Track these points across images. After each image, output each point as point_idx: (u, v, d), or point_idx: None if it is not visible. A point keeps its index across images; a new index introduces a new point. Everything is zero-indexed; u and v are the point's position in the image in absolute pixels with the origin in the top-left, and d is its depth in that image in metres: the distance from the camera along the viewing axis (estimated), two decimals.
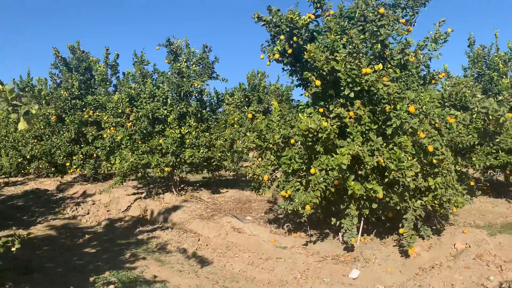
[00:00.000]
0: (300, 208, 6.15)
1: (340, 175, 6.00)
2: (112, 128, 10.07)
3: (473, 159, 11.50)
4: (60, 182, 14.85)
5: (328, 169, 5.82)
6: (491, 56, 12.09)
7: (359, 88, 5.91)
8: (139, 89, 10.37)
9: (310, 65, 5.94)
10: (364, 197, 6.54)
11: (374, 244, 7.20)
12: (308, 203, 5.91)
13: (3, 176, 18.44)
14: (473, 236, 7.41)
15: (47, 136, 13.78)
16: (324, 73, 5.72)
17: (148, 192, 11.23)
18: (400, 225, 6.61)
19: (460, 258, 6.44)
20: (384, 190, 6.31)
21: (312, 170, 5.97)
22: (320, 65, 5.63)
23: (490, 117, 5.65)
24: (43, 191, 13.85)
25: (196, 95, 10.62)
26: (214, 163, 10.39)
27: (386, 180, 5.86)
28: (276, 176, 7.37)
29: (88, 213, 10.18)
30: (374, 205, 6.58)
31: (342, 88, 5.95)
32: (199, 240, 7.62)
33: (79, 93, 13.38)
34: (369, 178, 6.40)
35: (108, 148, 10.49)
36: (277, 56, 6.47)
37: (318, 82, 5.88)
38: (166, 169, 10.06)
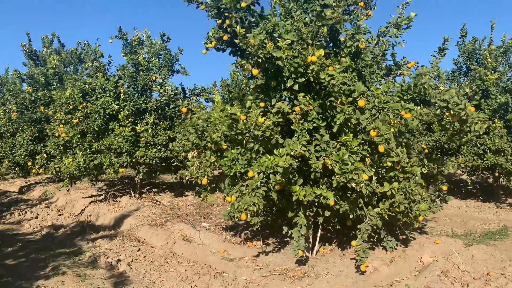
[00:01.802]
0: (236, 216, 5.36)
1: (283, 179, 5.21)
2: (61, 126, 9.29)
3: (459, 160, 10.70)
4: (25, 183, 14.12)
5: (268, 172, 5.00)
6: (482, 50, 11.27)
7: (304, 79, 5.12)
8: (94, 84, 9.57)
9: (246, 52, 5.14)
10: (316, 204, 5.76)
11: (332, 256, 6.40)
12: (242, 211, 5.12)
13: None
14: (445, 247, 6.61)
15: (8, 134, 13.03)
16: (260, 60, 4.91)
17: (106, 195, 10.46)
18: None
19: (423, 274, 5.63)
20: (336, 196, 5.51)
21: (250, 173, 5.18)
22: (253, 50, 4.83)
23: (451, 111, 4.84)
24: (3, 193, 13.11)
25: (157, 90, 9.80)
26: (174, 164, 9.57)
27: (335, 185, 5.06)
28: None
29: (36, 217, 9.42)
30: (327, 213, 5.78)
31: (285, 79, 5.16)
32: (138, 251, 6.83)
33: (45, 88, 12.53)
34: (320, 182, 5.61)
35: (61, 147, 9.71)
36: (213, 44, 5.66)
37: (255, 71, 5.08)
38: (120, 170, 9.28)
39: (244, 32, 4.95)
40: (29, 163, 12.49)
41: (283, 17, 5.68)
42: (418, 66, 6.14)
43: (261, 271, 6.06)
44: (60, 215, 9.62)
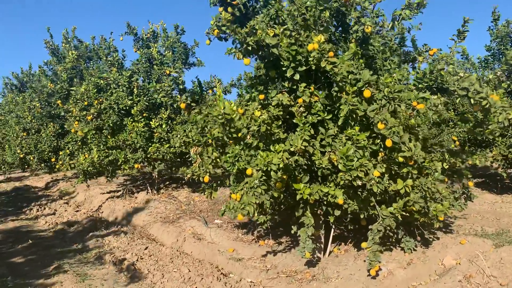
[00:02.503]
0: (233, 217, 5.05)
1: (285, 177, 4.83)
2: (76, 122, 9.23)
3: (493, 152, 9.95)
4: (52, 178, 14.31)
5: (268, 169, 4.64)
6: None
7: (304, 68, 4.71)
8: (109, 79, 9.44)
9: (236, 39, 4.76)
10: (325, 202, 5.35)
11: (346, 257, 6.00)
12: (239, 210, 4.80)
13: (9, 170, 18.27)
14: (471, 248, 6.06)
15: (33, 131, 13.19)
16: (250, 48, 4.53)
17: (124, 191, 10.37)
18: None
19: (442, 280, 5.13)
20: (346, 194, 5.08)
21: (248, 171, 4.83)
22: (241, 38, 4.46)
23: (472, 101, 4.31)
24: (30, 188, 13.31)
25: (171, 84, 9.57)
26: (190, 159, 9.32)
27: (341, 183, 4.65)
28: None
29: (54, 213, 9.43)
30: (337, 212, 5.37)
31: (284, 69, 4.76)
32: (146, 249, 6.64)
33: (68, 84, 12.56)
34: (328, 179, 5.19)
35: (79, 143, 9.67)
36: (215, 32, 5.31)
37: (246, 61, 4.71)
38: (136, 165, 9.14)
39: (230, 18, 4.58)
40: (53, 159, 12.60)
41: (289, 1, 5.27)
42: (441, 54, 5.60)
43: (268, 273, 5.73)
44: (77, 211, 9.60)
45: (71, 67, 11.07)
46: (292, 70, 4.70)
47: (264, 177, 4.78)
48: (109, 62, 9.65)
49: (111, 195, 10.32)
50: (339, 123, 4.60)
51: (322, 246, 6.10)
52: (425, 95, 4.34)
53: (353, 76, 4.48)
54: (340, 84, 4.46)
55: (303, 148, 4.72)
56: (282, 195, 5.71)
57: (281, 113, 4.85)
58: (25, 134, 13.58)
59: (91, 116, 8.87)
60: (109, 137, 9.25)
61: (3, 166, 16.79)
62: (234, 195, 5.57)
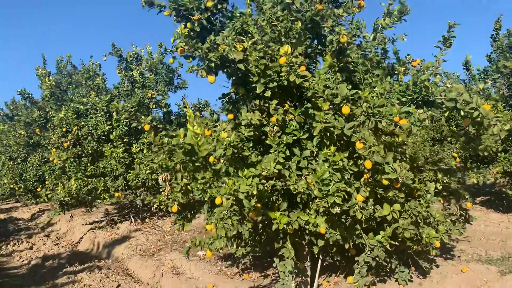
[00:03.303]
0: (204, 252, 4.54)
1: (258, 205, 4.33)
2: (54, 150, 8.80)
3: (496, 169, 9.39)
4: (40, 209, 13.83)
5: (239, 197, 4.14)
6: None
7: (276, 84, 4.26)
8: (88, 104, 9.05)
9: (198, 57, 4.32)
10: (307, 232, 4.83)
11: None
12: (206, 246, 4.29)
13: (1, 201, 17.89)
14: (474, 276, 5.51)
15: (18, 160, 12.79)
16: (212, 64, 4.10)
17: (107, 221, 9.85)
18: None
19: None
20: (328, 221, 4.55)
21: (217, 200, 4.33)
22: (202, 54, 4.03)
23: (461, 112, 3.83)
24: (14, 220, 12.82)
25: (154, 107, 9.17)
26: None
27: (320, 210, 4.14)
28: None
29: (31, 247, 8.90)
30: (321, 242, 4.82)
31: (253, 85, 4.31)
32: (117, 287, 6.09)
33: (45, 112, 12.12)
34: (309, 206, 4.68)
35: (57, 172, 9.23)
36: (179, 50, 4.85)
37: (211, 79, 4.26)
38: (116, 194, 8.66)
39: (187, 33, 4.16)
40: (39, 189, 12.14)
41: (259, 12, 4.87)
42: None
43: None
44: (56, 244, 9.07)
45: (49, 93, 10.69)
46: (262, 86, 4.25)
47: (235, 207, 4.28)
48: (88, 86, 9.28)
49: (94, 226, 9.80)
50: (314, 143, 4.13)
51: (309, 279, 5.53)
52: (408, 109, 3.86)
53: (329, 91, 4.02)
54: (313, 100, 4.00)
55: (277, 171, 4.24)
56: (260, 224, 5.22)
57: (252, 133, 4.38)
58: (11, 163, 13.19)
59: (68, 142, 8.44)
60: (88, 164, 8.80)
61: None
62: (208, 226, 5.07)
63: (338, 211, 3.83)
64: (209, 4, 4.67)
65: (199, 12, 4.63)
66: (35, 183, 12.12)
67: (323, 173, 3.79)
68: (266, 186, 4.50)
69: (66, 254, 8.07)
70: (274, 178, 4.47)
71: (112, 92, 9.30)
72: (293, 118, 4.49)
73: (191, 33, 4.56)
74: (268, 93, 4.29)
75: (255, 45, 4.19)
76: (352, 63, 4.69)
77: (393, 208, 4.26)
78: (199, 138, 4.28)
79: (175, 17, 4.81)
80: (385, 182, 4.04)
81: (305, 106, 4.27)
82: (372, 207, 4.34)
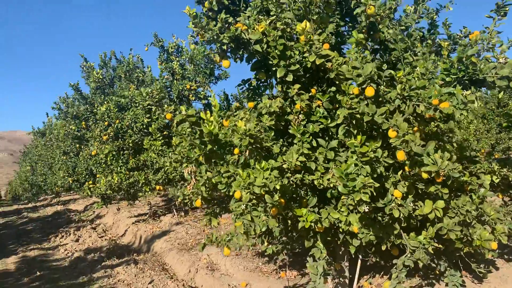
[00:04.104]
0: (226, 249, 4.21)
1: (282, 200, 3.92)
2: (95, 143, 8.86)
3: None
4: (93, 202, 14.21)
5: (254, 191, 3.76)
6: None
7: (297, 66, 3.81)
8: (129, 97, 9.01)
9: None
10: (340, 230, 4.36)
11: None
12: (223, 243, 3.96)
13: (62, 193, 18.71)
14: None
15: (71, 154, 13.18)
16: (225, 47, 3.71)
17: (151, 213, 9.83)
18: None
19: None
20: (363, 220, 4.05)
21: (237, 194, 3.96)
22: (211, 36, 3.64)
23: None
24: (68, 212, 13.23)
25: (193, 99, 8.97)
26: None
27: (343, 209, 3.67)
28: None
29: (77, 240, 9.05)
30: (356, 242, 4.33)
31: (274, 69, 3.89)
32: (150, 283, 5.94)
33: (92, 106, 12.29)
34: (341, 202, 4.20)
35: (103, 165, 9.29)
36: (200, 34, 4.51)
37: (225, 63, 3.87)
38: (157, 187, 8.57)
39: (210, 15, 3.78)
40: (90, 182, 12.42)
41: None
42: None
43: None
44: (101, 236, 9.17)
45: (96, 86, 10.81)
46: (283, 69, 3.82)
47: (254, 201, 3.90)
48: (128, 79, 9.24)
49: (138, 218, 9.82)
50: (340, 132, 3.64)
51: (347, 281, 5.05)
52: (449, 90, 3.27)
53: (356, 71, 3.52)
54: (337, 82, 3.52)
55: (300, 164, 3.81)
56: (289, 221, 4.80)
57: (273, 122, 3.97)
58: (65, 157, 13.64)
59: (107, 136, 8.43)
60: (130, 157, 8.78)
61: (54, 189, 17.15)
62: (237, 223, 4.74)
63: (366, 210, 3.33)
64: None
65: None
66: (86, 176, 12.41)
67: (348, 167, 3.31)
68: (292, 180, 4.10)
69: (108, 247, 8.10)
70: (302, 172, 4.07)
71: (150, 84, 9.20)
72: (320, 105, 4.02)
73: (210, 14, 4.18)
74: (290, 77, 3.85)
75: (275, 24, 3.77)
76: (389, 41, 4.13)
77: (436, 205, 3.68)
78: (213, 127, 3.95)
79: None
80: (424, 176, 3.49)
81: (329, 90, 3.79)
82: (412, 204, 3.79)
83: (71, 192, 20.11)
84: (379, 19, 3.82)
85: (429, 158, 3.39)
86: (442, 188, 3.64)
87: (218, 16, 3.67)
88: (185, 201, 4.89)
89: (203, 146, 3.96)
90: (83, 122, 11.15)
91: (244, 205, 3.87)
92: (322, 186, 3.78)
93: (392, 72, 3.49)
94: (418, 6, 4.35)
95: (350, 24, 4.33)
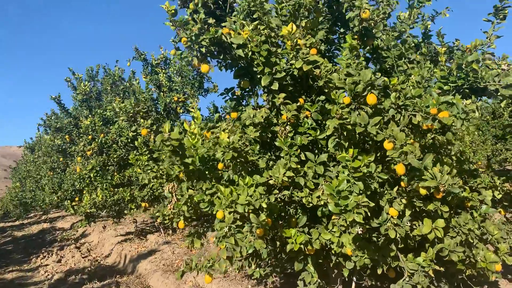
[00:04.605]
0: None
1: (269, 220, 3.59)
2: (79, 158, 8.51)
3: None
4: (81, 219, 13.75)
5: (238, 210, 3.44)
6: None
7: (283, 74, 3.52)
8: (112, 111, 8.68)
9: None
10: (332, 252, 4.03)
11: None
12: (203, 269, 3.63)
13: (49, 210, 18.17)
14: None
15: (58, 170, 12.77)
16: (203, 50, 3.41)
17: (137, 232, 9.43)
18: None
19: None
20: (356, 240, 3.72)
21: (219, 214, 3.64)
22: (189, 37, 3.35)
23: None
24: (53, 230, 12.79)
25: (182, 112, 8.66)
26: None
27: (335, 229, 3.36)
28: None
29: (59, 260, 8.62)
30: (350, 264, 3.98)
31: (259, 77, 3.60)
32: None
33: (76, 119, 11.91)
34: (332, 222, 3.87)
35: (87, 181, 8.92)
36: (184, 40, 4.22)
37: (204, 68, 3.57)
38: (143, 204, 8.20)
39: (174, 11, 3.48)
40: (77, 198, 12.01)
41: None
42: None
43: None
44: (85, 256, 8.75)
45: (81, 99, 10.48)
46: (268, 77, 3.53)
47: (238, 221, 3.57)
48: (113, 92, 8.93)
49: (125, 237, 9.41)
50: (330, 144, 3.34)
51: None
52: (448, 98, 2.99)
53: (352, 79, 3.23)
54: (326, 90, 3.23)
55: (288, 180, 3.50)
56: (278, 242, 4.47)
57: (258, 134, 3.66)
58: (51, 173, 13.22)
59: (91, 151, 8.08)
60: (115, 173, 8.42)
61: (42, 206, 16.67)
62: (222, 245, 4.39)
63: (360, 232, 3.01)
64: None
65: None
66: (73, 193, 11.99)
67: (340, 183, 3.00)
68: (279, 197, 3.80)
69: (90, 269, 7.69)
70: (291, 188, 3.76)
71: (138, 97, 8.87)
72: (309, 115, 3.73)
73: (195, 16, 3.89)
74: (275, 86, 3.55)
75: (260, 26, 3.49)
76: (382, 48, 3.87)
77: (435, 224, 3.37)
78: (196, 140, 3.65)
79: (179, 1, 4.20)
80: (423, 192, 3.18)
81: (317, 99, 3.51)
82: (409, 224, 3.48)
83: (60, 209, 19.64)
84: (372, 24, 3.55)
85: (428, 172, 3.09)
86: (442, 205, 3.33)
87: (197, 17, 3.37)
88: (165, 221, 4.56)
89: (184, 164, 3.63)
90: (66, 136, 10.79)
91: (227, 227, 3.53)
92: (311, 204, 3.46)
93: (386, 79, 3.20)
94: (413, 10, 4.09)
95: (341, 31, 4.06)
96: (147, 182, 4.97)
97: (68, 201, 8.94)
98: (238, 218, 3.56)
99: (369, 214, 2.94)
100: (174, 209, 4.46)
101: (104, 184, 8.20)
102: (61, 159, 11.89)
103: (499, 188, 4.13)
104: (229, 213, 3.56)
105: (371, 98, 3.15)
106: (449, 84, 3.40)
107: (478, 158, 10.92)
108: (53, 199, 14.06)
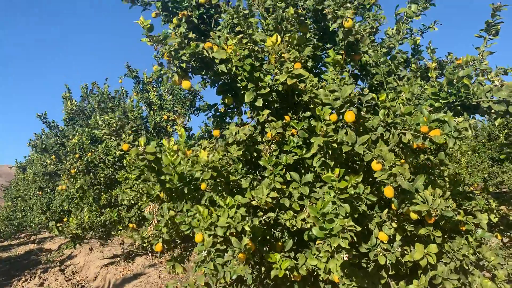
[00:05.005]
0: None
1: (249, 245, 3.38)
2: (64, 177, 8.28)
3: None
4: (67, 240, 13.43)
5: (217, 233, 3.22)
6: None
7: (267, 90, 3.36)
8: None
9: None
10: (320, 279, 3.80)
11: None
12: None
13: (38, 231, 17.83)
14: None
15: (47, 190, 12.51)
16: (184, 65, 3.26)
17: (122, 255, 9.14)
18: None
19: None
20: (345, 266, 3.50)
21: (198, 237, 3.42)
22: (167, 51, 3.20)
23: None
24: (39, 252, 12.45)
25: (172, 130, 8.49)
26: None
27: (322, 254, 3.14)
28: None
29: (41, 284, 8.30)
30: None
31: (242, 92, 3.44)
32: None
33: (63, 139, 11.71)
34: (316, 247, 3.66)
35: (76, 201, 8.67)
36: (166, 55, 4.08)
37: (186, 84, 3.41)
38: (130, 225, 7.94)
39: (149, 26, 3.33)
40: (65, 219, 11.72)
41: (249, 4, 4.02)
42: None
43: None
44: (68, 280, 8.44)
45: (68, 118, 10.30)
46: (251, 93, 3.37)
47: (218, 245, 3.36)
48: (102, 109, 8.77)
49: (112, 260, 9.11)
50: (315, 164, 3.16)
51: None
52: (439, 116, 2.83)
53: (334, 95, 3.07)
54: (311, 106, 3.07)
55: (272, 201, 3.30)
56: (263, 268, 4.24)
57: (241, 152, 3.48)
58: (41, 193, 12.95)
59: (75, 169, 7.87)
60: (102, 194, 8.19)
61: (32, 226, 16.33)
62: (200, 269, 4.16)
63: (346, 258, 2.81)
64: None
65: (189, 8, 3.86)
66: (61, 213, 11.71)
67: (325, 205, 2.80)
68: (264, 219, 3.60)
69: None
70: (276, 210, 3.56)
71: (127, 115, 8.71)
72: (294, 133, 3.55)
73: (178, 31, 3.75)
74: (260, 102, 3.39)
75: (244, 39, 3.35)
76: (371, 65, 3.73)
77: (428, 249, 3.17)
78: (175, 157, 3.46)
79: (162, 16, 4.07)
80: (414, 216, 2.99)
81: (303, 115, 3.34)
82: (400, 249, 3.28)
83: (49, 230, 19.28)
84: (359, 38, 3.41)
85: (419, 195, 2.90)
86: (434, 230, 3.13)
87: (176, 31, 3.23)
88: (144, 245, 4.33)
89: (160, 181, 3.44)
90: (53, 156, 10.58)
91: (206, 251, 3.32)
92: (295, 227, 3.26)
93: (374, 95, 3.05)
94: (402, 25, 3.97)
95: (328, 46, 3.92)
96: (126, 202, 4.74)
97: (53, 222, 8.64)
98: (219, 241, 3.36)
99: (355, 239, 2.74)
100: (153, 231, 4.24)
101: (92, 205, 7.96)
102: (50, 181, 11.65)
103: (495, 211, 3.94)
104: (209, 236, 3.36)
105: (349, 116, 2.98)
106: (440, 100, 3.24)
107: (474, 180, 10.75)
108: (42, 220, 13.76)
